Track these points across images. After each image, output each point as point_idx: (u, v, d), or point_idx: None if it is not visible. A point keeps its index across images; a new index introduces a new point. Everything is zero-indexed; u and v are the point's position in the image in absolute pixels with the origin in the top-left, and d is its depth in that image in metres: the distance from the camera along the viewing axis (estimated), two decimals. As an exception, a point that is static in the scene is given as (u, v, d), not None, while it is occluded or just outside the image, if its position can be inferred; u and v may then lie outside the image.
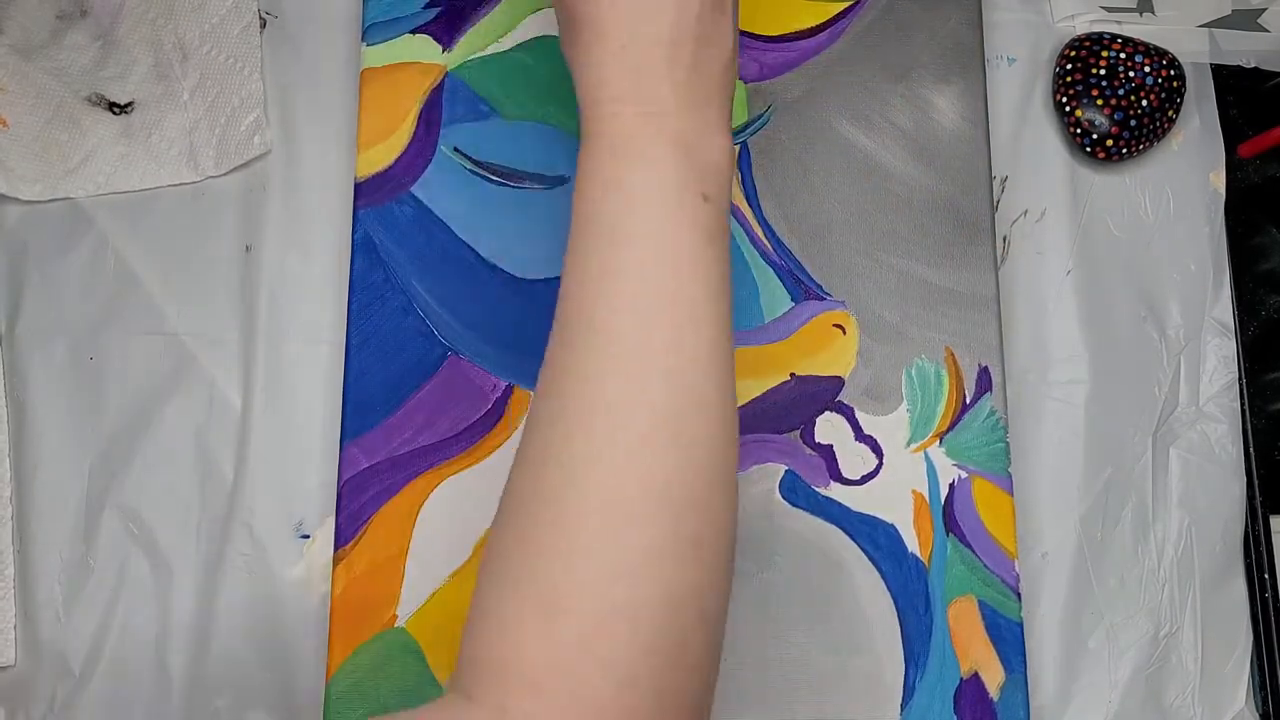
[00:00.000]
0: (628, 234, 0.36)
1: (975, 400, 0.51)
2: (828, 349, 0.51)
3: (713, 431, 0.35)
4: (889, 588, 0.49)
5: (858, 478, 0.50)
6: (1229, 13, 0.58)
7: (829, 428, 0.51)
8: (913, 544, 0.50)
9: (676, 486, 0.34)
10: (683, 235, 0.36)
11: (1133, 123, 0.54)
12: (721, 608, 0.35)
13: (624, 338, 0.35)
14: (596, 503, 0.33)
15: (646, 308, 0.36)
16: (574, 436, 0.34)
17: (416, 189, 0.52)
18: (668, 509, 0.33)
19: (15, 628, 0.49)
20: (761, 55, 0.54)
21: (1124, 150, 0.55)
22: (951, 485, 0.50)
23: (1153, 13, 0.58)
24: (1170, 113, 0.55)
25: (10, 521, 0.50)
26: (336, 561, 0.48)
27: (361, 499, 0.49)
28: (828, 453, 0.50)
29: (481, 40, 0.54)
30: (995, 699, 0.48)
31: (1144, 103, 0.54)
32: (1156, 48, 0.55)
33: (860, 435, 0.51)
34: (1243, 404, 0.54)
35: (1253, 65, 0.57)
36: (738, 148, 0.53)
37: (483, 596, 0.35)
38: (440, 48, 0.54)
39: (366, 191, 0.52)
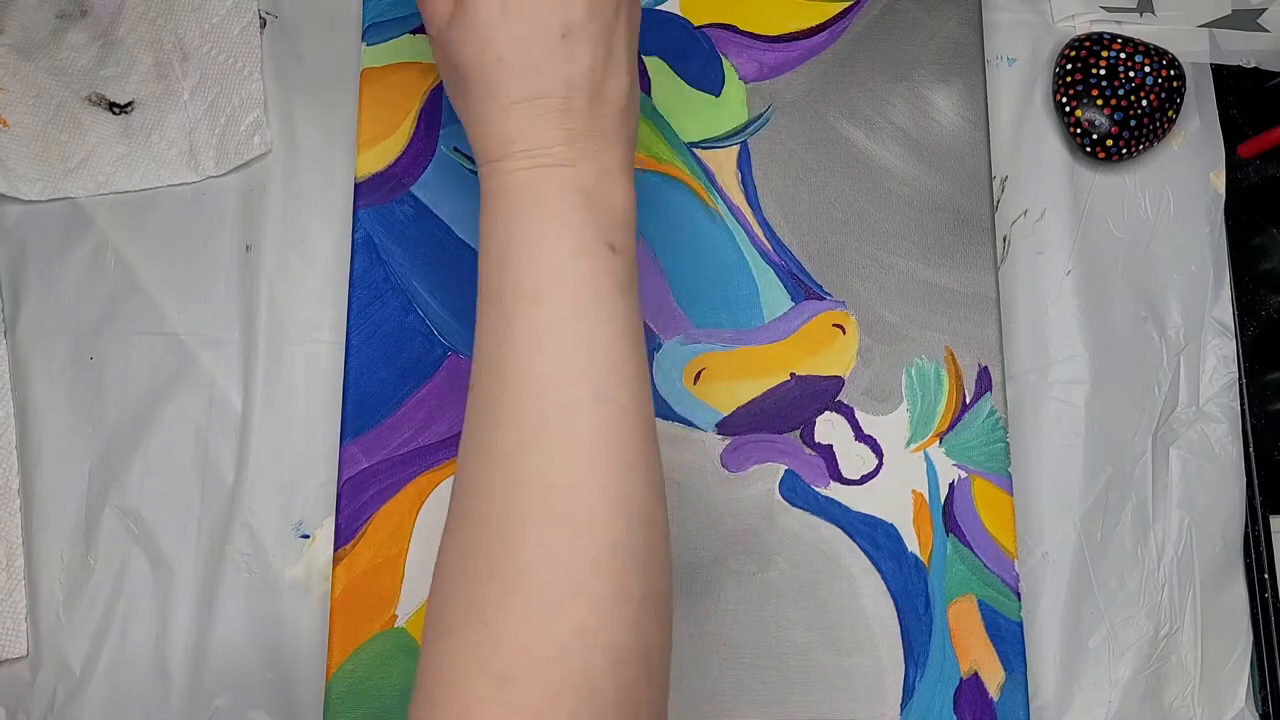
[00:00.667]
0: (537, 291, 0.35)
1: (975, 400, 0.51)
2: (828, 349, 0.51)
3: (648, 487, 0.35)
4: (889, 588, 0.49)
5: (858, 477, 0.50)
6: (1229, 13, 0.58)
7: (829, 428, 0.51)
8: (913, 544, 0.50)
9: (621, 546, 0.33)
10: (596, 287, 0.36)
11: (1133, 123, 0.54)
12: (665, 662, 0.35)
13: (545, 401, 0.34)
14: (543, 565, 0.32)
15: (567, 366, 0.35)
16: (506, 503, 0.33)
17: (416, 189, 0.52)
18: (615, 569, 0.33)
19: (27, 618, 0.49)
20: (761, 55, 0.55)
21: (1124, 150, 0.55)
22: (951, 485, 0.50)
23: (1153, 13, 0.58)
24: (1170, 113, 0.55)
25: (19, 514, 0.50)
26: (336, 561, 0.48)
27: (361, 499, 0.49)
28: (828, 453, 0.50)
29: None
30: (995, 699, 0.48)
31: (1144, 103, 0.54)
32: (1156, 48, 0.55)
33: (860, 435, 0.51)
34: (1243, 404, 0.54)
35: (1253, 65, 0.57)
36: (736, 149, 0.53)
37: (433, 652, 0.34)
38: (440, 48, 0.54)
39: (366, 191, 0.52)
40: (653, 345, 0.51)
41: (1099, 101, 0.54)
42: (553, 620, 0.32)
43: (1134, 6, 0.58)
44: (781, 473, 0.50)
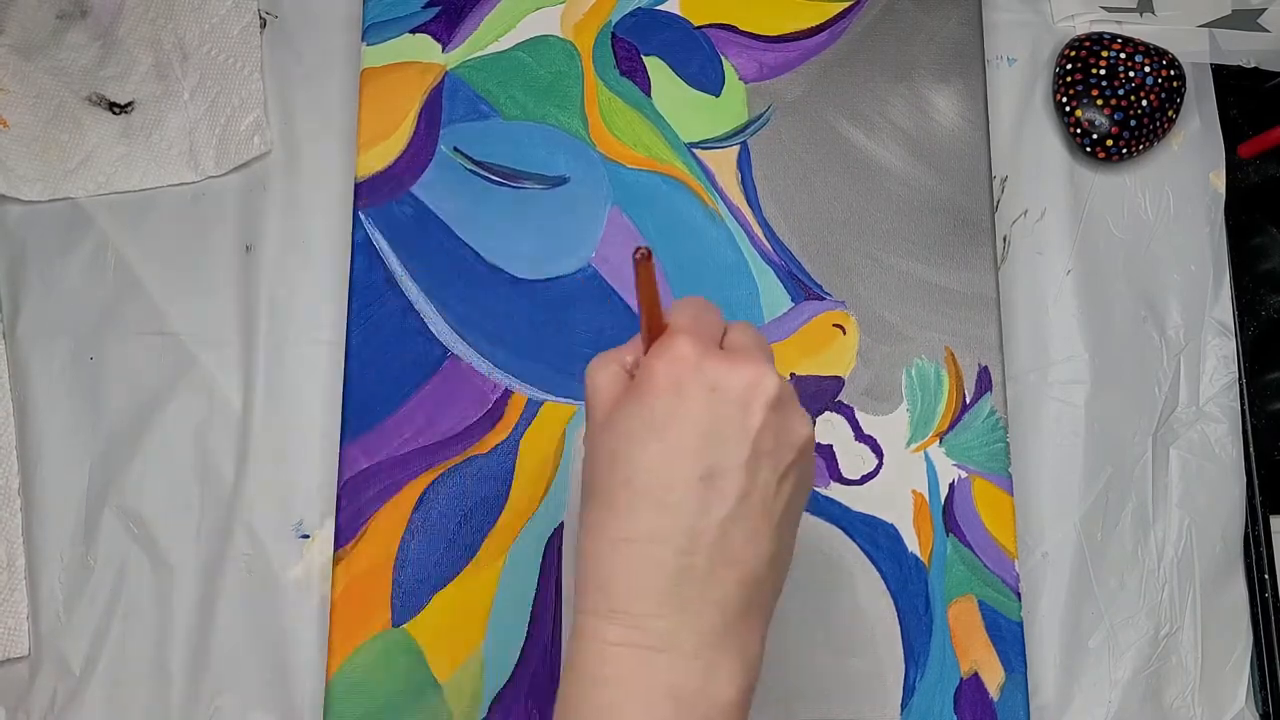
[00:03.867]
0: None
1: (975, 400, 0.51)
2: (828, 349, 0.51)
3: None
4: (889, 588, 0.49)
5: (858, 478, 0.50)
6: (1229, 13, 0.58)
7: (829, 428, 0.51)
8: (913, 544, 0.50)
9: None
10: None
11: (1133, 123, 0.54)
12: None
13: None
14: None
15: None
16: None
17: (416, 189, 0.52)
18: None
19: (29, 618, 0.49)
20: (761, 55, 0.55)
21: (1124, 150, 0.55)
22: (951, 485, 0.50)
23: (1153, 13, 0.58)
24: (1170, 113, 0.55)
25: (19, 514, 0.50)
26: (336, 561, 0.48)
27: (361, 499, 0.49)
28: (828, 453, 0.50)
29: (481, 40, 0.54)
30: (995, 699, 0.48)
31: (1144, 103, 0.54)
32: (1156, 48, 0.55)
33: (860, 435, 0.51)
34: (1243, 404, 0.54)
35: (1253, 65, 0.57)
36: (736, 149, 0.53)
37: None
38: (440, 47, 0.54)
39: (366, 191, 0.52)
40: (653, 345, 0.51)
41: (1099, 101, 0.54)
42: None
43: (1134, 6, 0.58)
44: (781, 473, 0.50)
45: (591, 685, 0.30)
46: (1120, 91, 0.54)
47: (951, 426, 0.51)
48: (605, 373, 0.33)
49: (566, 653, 0.32)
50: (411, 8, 0.54)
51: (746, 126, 0.54)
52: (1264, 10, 0.57)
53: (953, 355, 0.52)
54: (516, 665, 0.47)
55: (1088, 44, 0.55)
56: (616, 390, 0.33)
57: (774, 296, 0.52)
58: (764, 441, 0.31)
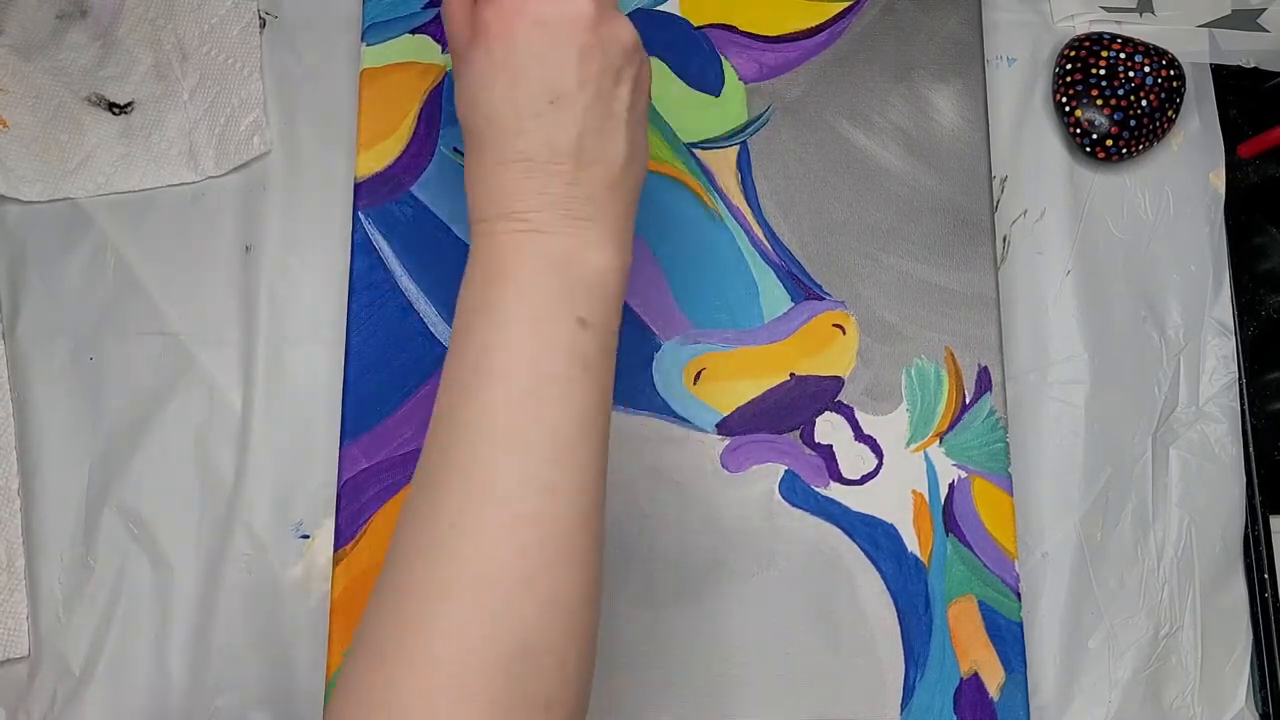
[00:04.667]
0: (492, 368, 0.34)
1: (975, 400, 0.51)
2: (828, 349, 0.51)
3: (578, 584, 0.33)
4: (889, 588, 0.49)
5: (857, 478, 0.50)
6: (1229, 13, 0.58)
7: (829, 428, 0.51)
8: (912, 544, 0.50)
9: (536, 647, 0.32)
10: (553, 367, 0.34)
11: (1132, 123, 0.54)
12: None
13: (484, 482, 0.33)
14: (451, 658, 0.31)
15: (511, 449, 0.33)
16: (428, 586, 0.32)
17: (416, 189, 0.52)
18: (522, 672, 0.31)
19: (28, 618, 0.49)
20: (761, 55, 0.55)
21: (1124, 150, 0.55)
22: (951, 485, 0.50)
23: (1153, 13, 0.58)
24: (1170, 113, 0.55)
25: (19, 514, 0.50)
26: (336, 561, 0.48)
27: (361, 499, 0.49)
28: (827, 453, 0.50)
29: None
30: (995, 699, 0.48)
31: (1144, 103, 0.54)
32: (1156, 48, 0.55)
33: (860, 435, 0.51)
34: (1242, 404, 0.54)
35: (1253, 65, 0.57)
36: (736, 149, 0.53)
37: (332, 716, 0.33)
38: (440, 48, 0.54)
39: (366, 191, 0.52)
40: (653, 345, 0.51)
41: (1099, 101, 0.54)
42: (450, 716, 0.31)
43: (1134, 6, 0.58)
44: (781, 473, 0.50)
45: (484, 265, 0.36)
46: (1120, 91, 0.54)
47: (951, 426, 0.51)
48: (455, 9, 0.38)
49: (468, 264, 0.37)
50: (411, 8, 0.54)
51: (746, 127, 0.54)
52: (1264, 10, 0.57)
53: (952, 355, 0.52)
54: (516, 665, 0.47)
55: (1087, 44, 0.55)
56: (465, 25, 0.38)
57: (774, 296, 0.52)
58: (593, 57, 0.37)
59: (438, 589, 0.32)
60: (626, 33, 0.38)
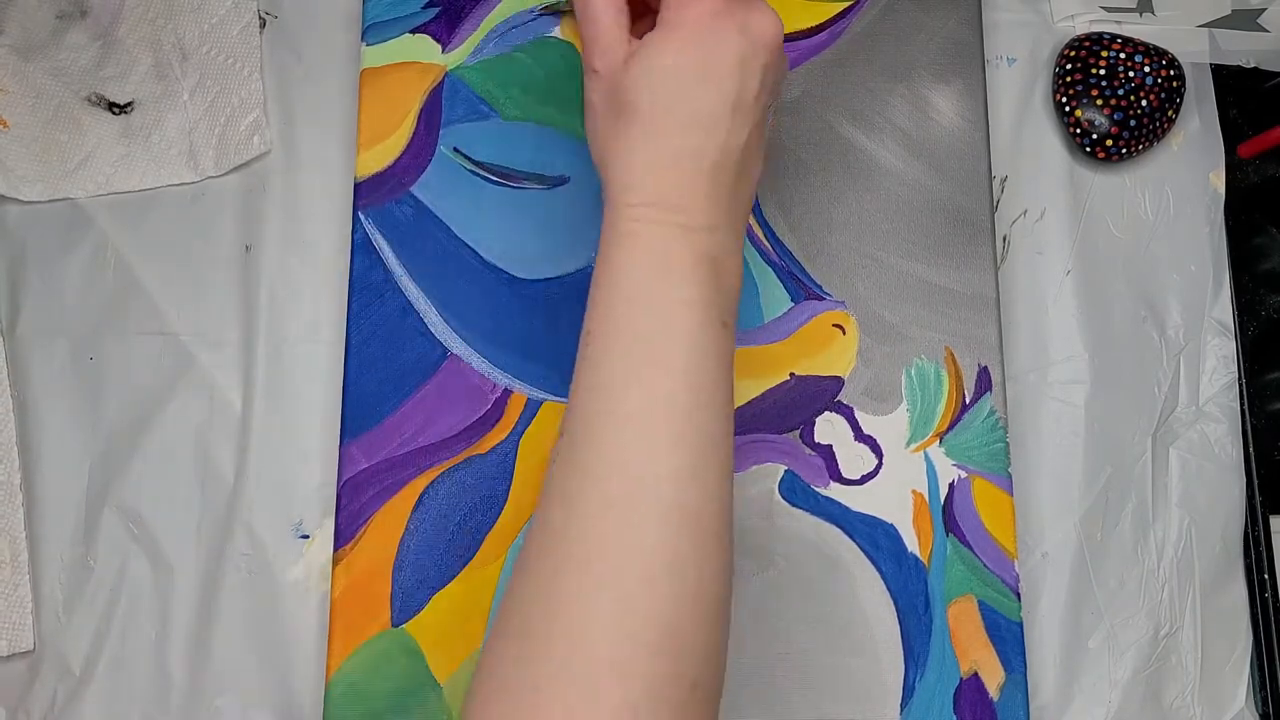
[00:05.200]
0: (656, 357, 0.35)
1: (975, 400, 0.51)
2: (827, 349, 0.51)
3: (720, 571, 0.34)
4: (889, 588, 0.49)
5: (857, 478, 0.50)
6: (1229, 13, 0.58)
7: (829, 428, 0.51)
8: (912, 544, 0.50)
9: (684, 632, 0.33)
10: (709, 365, 0.35)
11: (1132, 123, 0.54)
12: None
13: (641, 470, 0.34)
14: (605, 640, 0.32)
15: (664, 439, 0.34)
16: (583, 567, 0.33)
17: (416, 189, 0.52)
18: (669, 653, 0.32)
19: (33, 612, 0.49)
20: (761, 55, 0.54)
21: (1124, 150, 0.55)
22: (951, 485, 0.50)
23: (1152, 13, 0.58)
24: (1170, 113, 0.55)
25: (21, 509, 0.50)
26: (336, 561, 0.48)
27: (361, 499, 0.49)
28: (827, 453, 0.50)
29: (481, 40, 0.54)
30: (995, 699, 0.48)
31: (1144, 103, 0.54)
32: (1156, 48, 0.55)
33: (860, 435, 0.51)
34: (1242, 404, 0.54)
35: (1252, 65, 0.57)
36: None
37: (472, 714, 0.33)
38: (440, 47, 0.54)
39: (366, 191, 0.52)
40: (653, 345, 0.51)
41: (1099, 101, 0.54)
42: (605, 696, 0.31)
43: (1134, 6, 0.58)
44: (781, 473, 0.50)
45: (645, 253, 0.36)
46: (1120, 91, 0.54)
47: (951, 426, 0.51)
48: (608, 4, 0.38)
49: (605, 239, 0.37)
50: (411, 8, 0.54)
51: (746, 126, 0.54)
52: (1264, 10, 0.57)
53: (952, 355, 0.52)
54: (516, 665, 0.47)
55: (1087, 44, 0.55)
56: (622, 20, 0.38)
57: (774, 296, 0.52)
58: (769, 76, 0.38)
59: (593, 571, 0.33)
60: (786, 61, 0.40)
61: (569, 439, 0.36)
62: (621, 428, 0.35)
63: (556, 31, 0.54)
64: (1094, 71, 0.55)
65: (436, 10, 0.54)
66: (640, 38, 0.38)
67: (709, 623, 0.34)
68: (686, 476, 0.34)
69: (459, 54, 0.54)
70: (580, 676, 0.31)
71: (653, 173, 0.37)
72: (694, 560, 0.33)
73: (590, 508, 0.34)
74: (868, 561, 0.49)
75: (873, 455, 0.51)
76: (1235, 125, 0.58)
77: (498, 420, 0.50)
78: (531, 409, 0.50)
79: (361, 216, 0.52)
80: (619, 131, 0.37)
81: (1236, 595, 0.52)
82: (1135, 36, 0.56)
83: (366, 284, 0.51)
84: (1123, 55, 0.55)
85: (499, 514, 0.49)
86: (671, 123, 0.37)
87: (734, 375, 0.37)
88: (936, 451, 0.51)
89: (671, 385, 0.35)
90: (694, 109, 0.36)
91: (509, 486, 0.49)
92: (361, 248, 0.51)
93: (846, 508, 0.50)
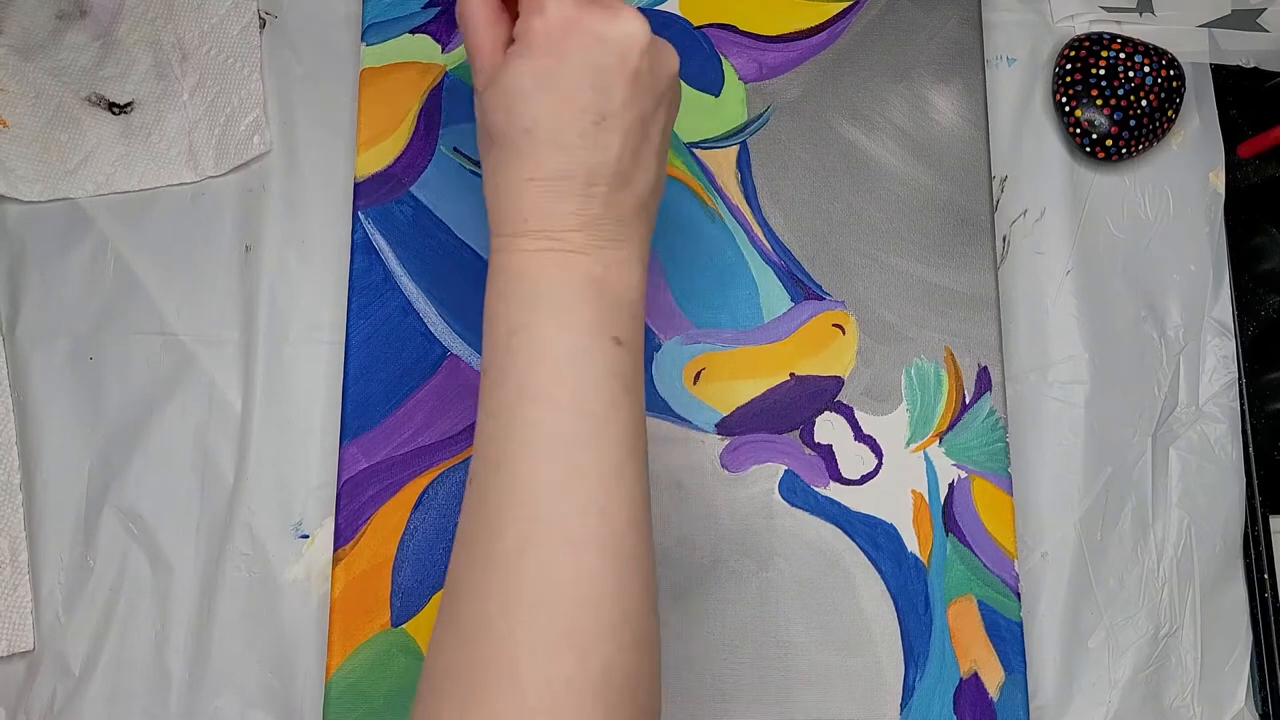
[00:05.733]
0: (537, 391, 0.34)
1: (975, 400, 0.51)
2: (827, 349, 0.51)
3: (644, 603, 0.33)
4: (889, 588, 0.49)
5: (857, 478, 0.50)
6: (1229, 13, 0.58)
7: (829, 428, 0.51)
8: (912, 544, 0.50)
9: (616, 668, 0.32)
10: (599, 389, 0.34)
11: (1132, 123, 0.54)
12: None
13: (543, 507, 0.33)
14: (538, 689, 0.31)
15: (565, 472, 0.33)
16: (508, 614, 0.32)
17: (416, 189, 0.52)
18: (608, 693, 0.31)
19: (33, 612, 0.49)
20: (761, 55, 0.54)
21: (1124, 150, 0.55)
22: (951, 485, 0.50)
23: (1152, 13, 0.58)
24: (1170, 113, 0.55)
25: (21, 508, 0.50)
26: (336, 561, 0.48)
27: (361, 499, 0.49)
28: (827, 453, 0.50)
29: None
30: (995, 699, 0.48)
31: (1144, 103, 0.54)
32: (1156, 48, 0.55)
33: (860, 435, 0.51)
34: (1242, 404, 0.54)
35: (1252, 65, 0.57)
36: (736, 149, 0.53)
37: None
38: (440, 47, 0.54)
39: (366, 191, 0.52)
40: (653, 345, 0.51)
41: (1099, 101, 0.54)
42: None
43: (1133, 6, 0.58)
44: (781, 473, 0.50)
45: (516, 284, 0.35)
46: (1120, 91, 0.54)
47: (951, 426, 0.51)
48: (481, 12, 0.37)
49: (488, 274, 0.37)
50: (411, 8, 0.54)
51: (746, 126, 0.54)
52: (1264, 10, 0.57)
53: (952, 355, 0.52)
54: (516, 665, 0.47)
55: (1087, 44, 0.55)
56: (496, 36, 0.37)
57: (774, 296, 0.52)
58: (642, 81, 0.36)
59: (516, 619, 0.32)
60: (672, 59, 0.38)
61: (474, 488, 0.35)
62: (512, 461, 0.34)
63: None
64: (1094, 71, 0.55)
65: (436, 10, 0.54)
66: None
67: (638, 656, 0.33)
68: (591, 508, 0.33)
69: (459, 54, 0.54)
70: None
71: (516, 199, 0.36)
72: (612, 594, 0.32)
73: (501, 548, 0.33)
74: (868, 561, 0.49)
75: (873, 455, 0.51)
76: (1235, 125, 0.58)
77: (498, 420, 0.50)
78: (531, 409, 0.50)
79: (361, 216, 0.52)
80: (485, 157, 0.37)
81: (1236, 595, 0.52)
82: (1135, 36, 0.56)
83: (366, 284, 0.51)
84: (1123, 55, 0.55)
85: (499, 514, 0.49)
86: (529, 144, 0.35)
87: (639, 392, 0.36)
88: (936, 451, 0.51)
89: (557, 419, 0.34)
90: (551, 127, 0.35)
91: (509, 486, 0.49)
92: (361, 248, 0.51)
93: (846, 508, 0.50)
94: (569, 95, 0.35)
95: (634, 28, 0.35)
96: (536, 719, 0.31)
